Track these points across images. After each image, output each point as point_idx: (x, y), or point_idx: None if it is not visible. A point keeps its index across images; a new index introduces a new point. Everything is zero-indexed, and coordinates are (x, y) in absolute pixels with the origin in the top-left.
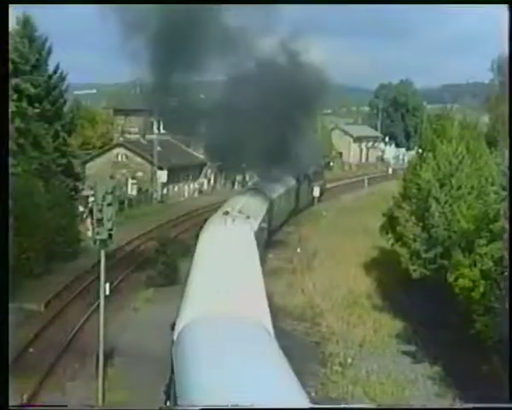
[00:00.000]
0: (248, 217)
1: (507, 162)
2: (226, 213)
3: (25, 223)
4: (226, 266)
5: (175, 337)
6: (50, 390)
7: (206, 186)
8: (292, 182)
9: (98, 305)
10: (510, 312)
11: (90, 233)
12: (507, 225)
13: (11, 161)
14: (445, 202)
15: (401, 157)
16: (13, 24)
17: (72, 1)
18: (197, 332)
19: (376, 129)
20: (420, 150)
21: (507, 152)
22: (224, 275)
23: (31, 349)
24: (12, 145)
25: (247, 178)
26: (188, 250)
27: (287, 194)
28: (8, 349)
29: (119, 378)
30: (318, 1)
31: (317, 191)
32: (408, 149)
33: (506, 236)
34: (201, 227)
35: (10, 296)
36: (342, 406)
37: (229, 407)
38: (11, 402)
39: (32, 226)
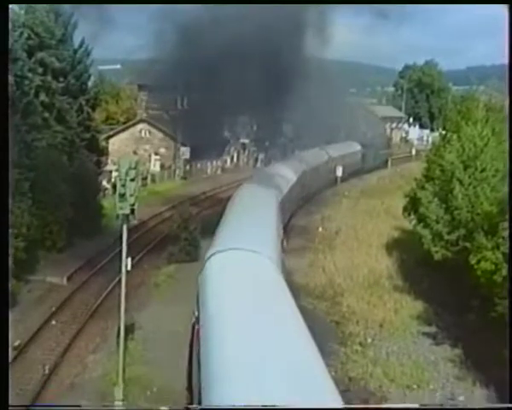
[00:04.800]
0: (301, 160)
1: None
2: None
3: (49, 197)
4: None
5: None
6: (71, 364)
7: (228, 163)
8: (358, 147)
9: (119, 280)
10: (510, 312)
11: None
12: None
13: (36, 134)
14: (469, 184)
15: (425, 138)
16: None
17: (72, 1)
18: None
19: (401, 110)
20: (444, 132)
21: None
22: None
23: (53, 322)
24: (36, 119)
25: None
26: (209, 227)
27: (351, 155)
28: (8, 349)
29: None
30: (319, 1)
31: (339, 171)
32: (432, 130)
33: None
34: (224, 205)
35: (34, 270)
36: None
37: (235, 407)
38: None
39: (56, 200)
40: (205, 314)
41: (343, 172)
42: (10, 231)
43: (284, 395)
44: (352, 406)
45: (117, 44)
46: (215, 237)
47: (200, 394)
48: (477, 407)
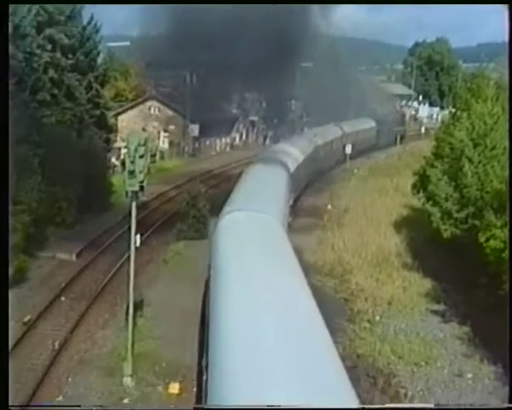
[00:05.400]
0: (315, 135)
1: None
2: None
3: (58, 173)
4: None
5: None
6: (80, 340)
7: (237, 141)
8: (372, 123)
9: (129, 256)
10: (510, 312)
11: None
12: None
13: (45, 111)
14: (479, 162)
15: (435, 116)
16: None
17: (73, 1)
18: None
19: (410, 87)
20: (454, 109)
21: None
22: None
23: (62, 298)
24: (45, 96)
25: (279, 134)
26: (218, 204)
27: (365, 131)
28: (8, 349)
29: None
30: (319, 1)
31: (348, 149)
32: (442, 108)
33: None
34: (233, 182)
35: (43, 246)
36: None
37: (239, 406)
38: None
39: (65, 176)
40: (214, 265)
41: (358, 147)
42: (19, 207)
43: (281, 336)
44: (367, 406)
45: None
46: (228, 201)
47: (208, 331)
48: (479, 406)
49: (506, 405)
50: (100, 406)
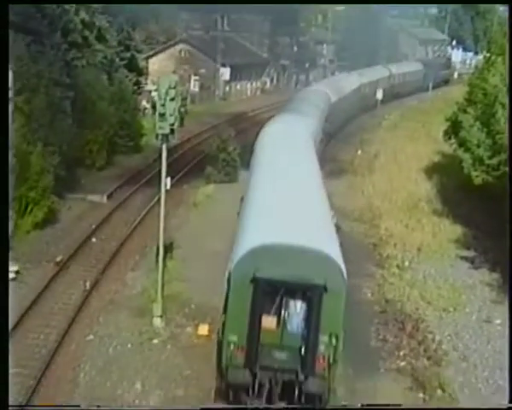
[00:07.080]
0: (361, 74)
1: None
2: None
3: (89, 115)
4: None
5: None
6: (111, 281)
7: (268, 85)
8: (420, 66)
9: (159, 199)
10: (510, 316)
11: None
12: None
13: (76, 53)
14: None
15: (468, 61)
16: None
17: (73, 1)
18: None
19: (444, 32)
20: (488, 54)
21: None
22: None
23: (93, 239)
24: (76, 37)
25: (311, 78)
26: (247, 149)
27: (412, 74)
28: (8, 349)
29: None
30: (320, 1)
31: (379, 94)
32: (476, 53)
33: None
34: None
35: (74, 188)
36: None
37: (238, 406)
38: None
39: (96, 119)
40: (255, 158)
41: (405, 88)
42: (51, 149)
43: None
44: (367, 406)
45: None
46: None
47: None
48: (479, 406)
49: (506, 405)
50: (105, 405)
